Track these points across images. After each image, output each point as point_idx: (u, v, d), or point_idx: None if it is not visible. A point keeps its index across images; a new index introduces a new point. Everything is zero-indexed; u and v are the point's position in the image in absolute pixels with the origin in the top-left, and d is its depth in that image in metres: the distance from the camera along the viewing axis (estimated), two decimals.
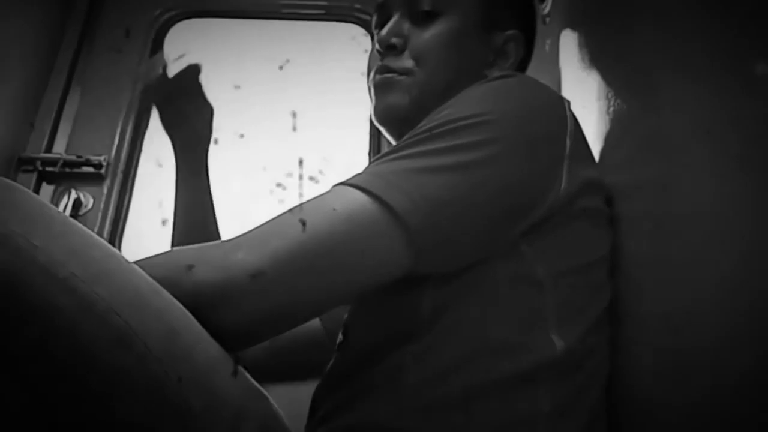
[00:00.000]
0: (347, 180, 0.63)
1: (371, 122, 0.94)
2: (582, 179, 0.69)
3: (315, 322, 0.95)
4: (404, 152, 0.64)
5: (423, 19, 0.83)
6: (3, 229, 0.48)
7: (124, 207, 1.60)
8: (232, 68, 1.70)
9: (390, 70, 0.83)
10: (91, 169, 1.57)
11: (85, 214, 1.54)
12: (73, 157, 1.57)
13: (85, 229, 0.54)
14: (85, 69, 1.69)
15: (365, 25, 1.70)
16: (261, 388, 0.59)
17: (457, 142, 0.64)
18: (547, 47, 1.14)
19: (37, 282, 0.47)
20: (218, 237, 0.99)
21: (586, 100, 0.89)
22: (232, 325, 0.57)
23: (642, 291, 0.70)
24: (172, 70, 0.99)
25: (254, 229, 0.61)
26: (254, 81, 1.66)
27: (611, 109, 0.81)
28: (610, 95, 0.82)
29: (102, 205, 1.56)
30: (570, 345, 0.65)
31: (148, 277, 0.54)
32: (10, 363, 0.47)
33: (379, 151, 1.61)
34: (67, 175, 1.56)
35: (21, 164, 1.55)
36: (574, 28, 1.02)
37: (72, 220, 0.54)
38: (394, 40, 0.83)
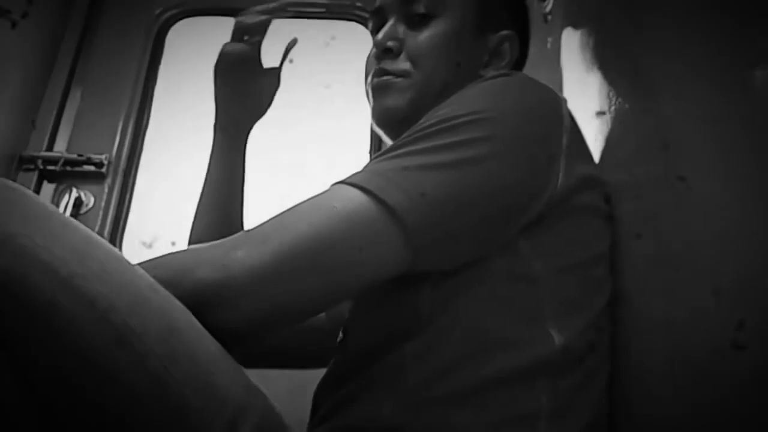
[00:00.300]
0: (346, 178, 0.64)
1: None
2: (579, 176, 0.69)
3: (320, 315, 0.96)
4: (403, 150, 0.65)
5: (418, 22, 0.84)
6: (5, 228, 0.48)
7: (125, 205, 1.60)
8: None
9: (387, 72, 0.84)
10: (92, 168, 1.57)
11: (86, 212, 1.54)
12: (74, 156, 1.57)
13: (85, 228, 0.54)
14: (86, 67, 1.69)
15: (366, 23, 1.69)
16: (260, 387, 0.59)
17: (454, 139, 0.64)
18: (548, 46, 1.14)
19: (38, 280, 0.47)
20: (241, 218, 0.98)
21: (588, 99, 0.89)
22: (233, 323, 0.57)
23: (642, 290, 0.70)
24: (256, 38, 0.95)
25: (254, 228, 0.62)
26: None
27: (612, 107, 0.81)
28: (611, 94, 0.82)
29: (103, 204, 1.56)
30: (569, 341, 0.65)
31: (149, 277, 0.54)
32: (10, 360, 0.47)
33: (379, 148, 1.61)
34: (68, 173, 1.57)
35: (22, 163, 1.56)
36: (575, 26, 1.02)
37: (73, 220, 0.55)
38: (390, 43, 0.84)
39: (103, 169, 1.57)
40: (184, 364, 0.51)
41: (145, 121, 1.69)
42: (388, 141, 0.87)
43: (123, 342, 0.49)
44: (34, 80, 1.62)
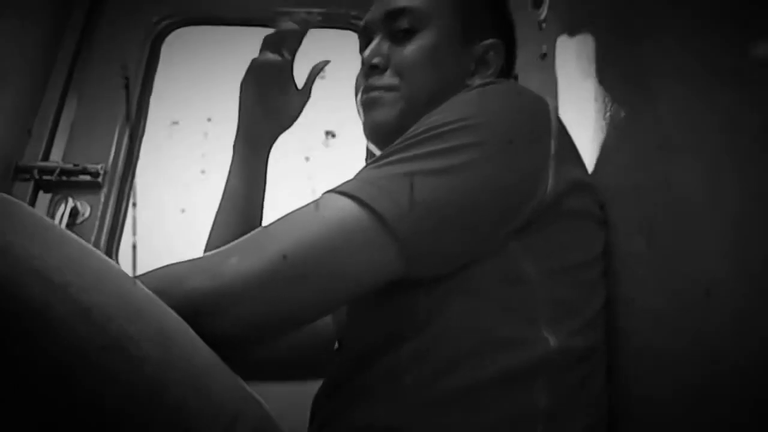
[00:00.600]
0: (337, 187, 0.64)
1: None
2: (569, 180, 0.70)
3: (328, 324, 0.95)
4: (393, 157, 0.65)
5: (402, 37, 0.86)
6: (2, 239, 0.49)
7: (121, 215, 1.60)
8: (230, 76, 1.71)
9: (375, 88, 0.85)
10: (88, 178, 1.57)
11: (82, 222, 1.54)
12: (70, 166, 1.57)
13: (80, 240, 0.55)
14: (83, 77, 1.69)
15: None
16: (255, 394, 0.59)
17: (444, 145, 0.65)
18: (543, 52, 1.15)
19: (35, 290, 0.48)
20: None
21: (582, 104, 0.89)
22: (226, 331, 0.57)
23: (639, 291, 0.71)
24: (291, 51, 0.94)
25: (247, 237, 0.63)
26: None
27: (608, 113, 0.82)
28: (606, 99, 0.83)
29: (99, 214, 1.56)
30: (564, 342, 0.66)
31: (144, 287, 0.55)
32: (8, 369, 0.48)
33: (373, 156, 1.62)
34: (64, 183, 1.56)
35: (18, 172, 1.55)
36: (570, 33, 1.02)
37: (67, 231, 0.56)
38: (376, 60, 0.86)
39: (100, 179, 1.57)
40: (179, 371, 0.52)
41: (141, 131, 1.69)
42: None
43: (118, 349, 0.49)
44: (30, 89, 1.62)
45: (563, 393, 0.65)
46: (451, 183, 0.64)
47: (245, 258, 0.59)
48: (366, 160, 1.63)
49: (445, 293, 0.66)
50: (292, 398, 0.88)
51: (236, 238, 0.88)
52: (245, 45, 1.78)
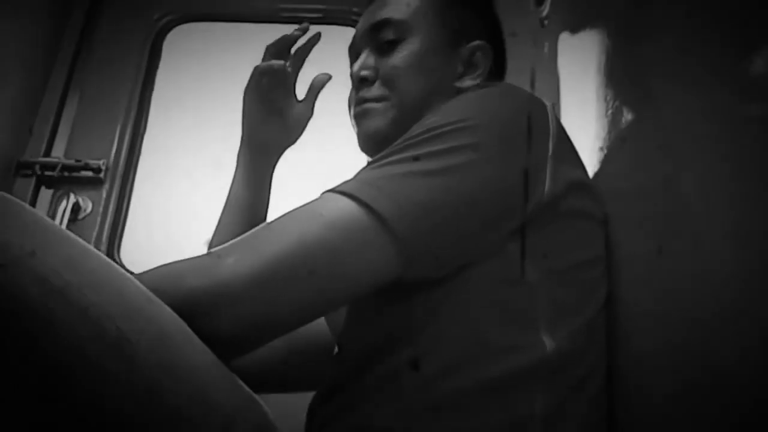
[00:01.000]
0: (336, 187, 0.64)
1: None
2: (567, 180, 0.70)
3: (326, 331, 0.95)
4: (392, 158, 0.66)
5: (388, 48, 0.87)
6: (2, 239, 0.49)
7: (123, 211, 1.60)
8: (231, 72, 1.71)
9: (366, 100, 0.87)
10: (89, 173, 1.57)
11: (84, 218, 1.54)
12: (72, 161, 1.57)
13: (79, 239, 0.55)
14: (84, 73, 1.69)
15: None
16: (253, 394, 0.59)
17: (441, 147, 0.65)
18: (545, 50, 1.15)
19: (33, 290, 0.48)
20: None
21: (584, 104, 0.89)
22: (224, 330, 0.57)
23: (640, 292, 0.71)
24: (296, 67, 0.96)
25: (245, 237, 0.62)
26: None
27: (610, 112, 0.82)
28: (607, 98, 0.83)
29: (101, 209, 1.56)
30: (561, 345, 0.66)
31: (142, 287, 0.55)
32: (5, 368, 0.48)
33: None
34: (65, 179, 1.56)
35: (20, 168, 1.55)
36: (572, 31, 1.02)
37: (66, 231, 0.55)
38: (363, 72, 0.88)
39: (101, 175, 1.57)
40: (177, 371, 0.52)
41: (142, 127, 1.69)
42: None
43: (115, 349, 0.49)
44: (31, 86, 1.62)
45: (562, 395, 0.65)
46: (448, 184, 0.64)
47: (244, 257, 0.59)
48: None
49: (444, 295, 0.66)
50: (288, 400, 0.88)
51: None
52: (246, 41, 1.78)
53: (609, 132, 0.81)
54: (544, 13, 1.16)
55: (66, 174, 1.56)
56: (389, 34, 0.87)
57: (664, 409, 0.64)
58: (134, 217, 1.61)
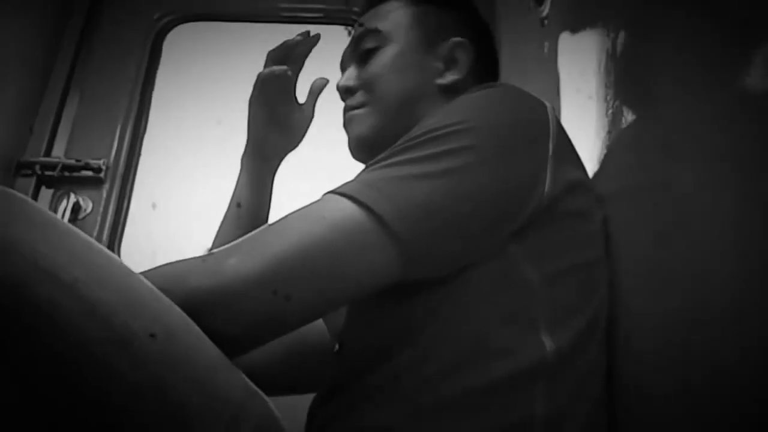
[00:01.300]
0: (337, 188, 0.65)
1: None
2: (567, 181, 0.70)
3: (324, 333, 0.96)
4: (392, 160, 0.66)
5: (368, 57, 0.90)
6: (7, 236, 0.49)
7: (123, 211, 1.60)
8: (230, 72, 1.71)
9: (349, 108, 0.90)
10: (90, 173, 1.57)
11: (84, 218, 1.54)
12: (72, 161, 1.57)
13: (86, 236, 0.55)
14: (84, 73, 1.70)
15: None
16: (259, 391, 0.60)
17: (439, 149, 0.65)
18: (545, 50, 1.15)
19: (42, 287, 0.48)
20: None
21: (584, 104, 0.89)
22: (227, 330, 0.57)
23: (640, 293, 0.71)
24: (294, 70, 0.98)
25: (247, 237, 0.63)
26: (252, 84, 1.67)
27: (610, 111, 0.82)
28: (607, 98, 0.83)
29: (101, 209, 1.56)
30: (561, 347, 0.66)
31: (149, 283, 0.55)
32: (13, 364, 0.48)
33: None
34: (66, 179, 1.57)
35: (20, 168, 1.56)
36: (572, 31, 1.02)
37: (73, 227, 0.55)
38: (345, 84, 0.91)
39: (101, 175, 1.57)
40: (183, 367, 0.52)
41: (142, 127, 1.69)
42: None
43: (123, 345, 0.49)
44: (31, 85, 1.62)
45: (562, 395, 0.65)
46: (448, 186, 0.64)
47: (246, 258, 0.59)
48: None
49: (445, 296, 0.66)
50: (288, 402, 0.88)
51: None
52: (246, 41, 1.78)
53: (609, 132, 0.81)
54: (544, 13, 1.16)
55: (66, 174, 1.56)
56: (369, 43, 0.90)
57: (664, 409, 0.64)
58: (134, 217, 1.61)
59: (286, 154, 1.01)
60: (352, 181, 0.66)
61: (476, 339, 0.65)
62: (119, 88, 1.68)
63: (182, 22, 1.79)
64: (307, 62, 1.01)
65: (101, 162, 1.58)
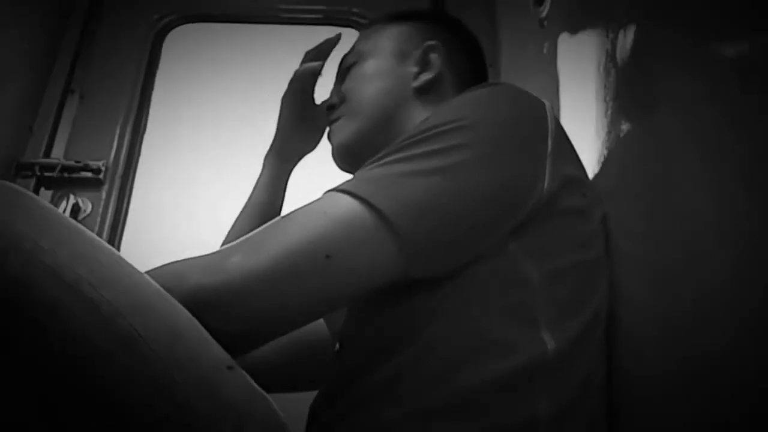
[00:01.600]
0: (338, 186, 0.65)
1: None
2: (566, 178, 0.70)
3: (324, 332, 0.96)
4: (392, 157, 0.66)
5: (348, 73, 0.95)
6: (11, 232, 0.49)
7: (123, 212, 1.60)
8: (230, 72, 1.71)
9: (331, 122, 0.96)
10: (89, 174, 1.57)
11: (83, 219, 1.54)
12: (72, 162, 1.57)
13: (91, 233, 0.55)
14: (84, 73, 1.69)
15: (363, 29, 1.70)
16: (262, 390, 0.60)
17: (438, 146, 0.66)
18: (545, 50, 1.15)
19: (45, 284, 0.48)
20: None
21: (584, 104, 0.89)
22: (229, 328, 0.57)
23: (640, 292, 0.71)
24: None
25: (250, 235, 0.63)
26: (252, 85, 1.67)
27: (609, 112, 0.82)
28: (608, 98, 0.83)
29: (101, 210, 1.56)
30: (561, 345, 0.66)
31: (153, 282, 0.55)
32: (16, 363, 0.48)
33: None
34: (65, 180, 1.56)
35: (19, 169, 1.55)
36: (572, 32, 1.02)
37: (78, 224, 0.56)
38: (329, 102, 0.97)
39: (101, 176, 1.57)
40: (188, 368, 0.52)
41: (142, 128, 1.69)
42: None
43: (127, 345, 0.49)
44: (31, 86, 1.62)
45: (562, 393, 0.65)
46: (447, 183, 0.64)
47: (248, 256, 0.59)
48: None
49: (445, 296, 0.66)
50: (288, 401, 0.88)
51: None
52: (246, 41, 1.78)
53: (609, 132, 0.81)
54: (544, 14, 1.16)
55: (66, 175, 1.56)
56: (350, 60, 0.96)
57: (664, 407, 0.64)
58: (134, 217, 1.61)
59: (302, 157, 1.05)
60: (352, 178, 0.66)
61: (477, 338, 0.65)
62: (119, 89, 1.68)
63: (182, 23, 1.79)
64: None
65: (101, 163, 1.57)
